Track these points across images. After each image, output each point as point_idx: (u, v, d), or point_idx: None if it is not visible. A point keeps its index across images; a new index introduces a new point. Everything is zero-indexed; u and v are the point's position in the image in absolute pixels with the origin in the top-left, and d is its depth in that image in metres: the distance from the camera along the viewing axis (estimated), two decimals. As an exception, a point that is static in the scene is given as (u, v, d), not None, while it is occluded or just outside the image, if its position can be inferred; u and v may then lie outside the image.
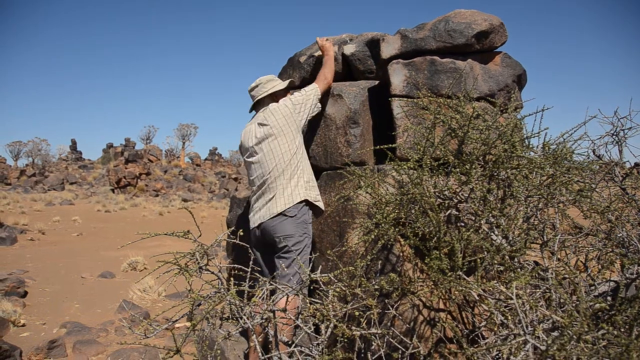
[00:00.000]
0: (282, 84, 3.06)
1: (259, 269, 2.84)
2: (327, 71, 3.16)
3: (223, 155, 51.36)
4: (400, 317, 2.53)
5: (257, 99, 3.05)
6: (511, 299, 1.79)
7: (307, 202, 2.81)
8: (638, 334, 1.70)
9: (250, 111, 3.18)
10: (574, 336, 1.59)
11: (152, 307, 5.63)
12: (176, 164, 41.10)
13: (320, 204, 2.90)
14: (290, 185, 2.79)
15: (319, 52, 3.53)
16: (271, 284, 2.09)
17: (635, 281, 2.01)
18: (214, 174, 39.00)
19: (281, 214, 2.75)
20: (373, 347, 2.40)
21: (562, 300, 1.93)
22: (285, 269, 2.63)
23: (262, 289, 2.05)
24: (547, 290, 2.04)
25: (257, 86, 3.05)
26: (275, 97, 3.03)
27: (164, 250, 9.27)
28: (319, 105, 3.10)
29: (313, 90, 3.03)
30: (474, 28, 2.94)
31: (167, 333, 4.22)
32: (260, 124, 2.91)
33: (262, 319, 1.98)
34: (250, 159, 2.97)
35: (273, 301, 2.05)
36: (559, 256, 2.31)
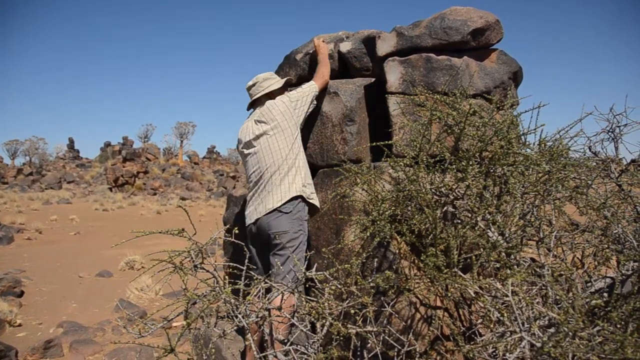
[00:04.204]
0: (278, 83, 3.04)
1: (255, 267, 2.82)
2: (324, 69, 3.16)
3: (221, 153, 51.36)
4: (397, 315, 2.52)
5: (253, 98, 3.05)
6: (507, 296, 1.78)
7: (302, 199, 2.79)
8: (633, 330, 1.70)
9: (248, 109, 3.18)
10: (570, 333, 1.59)
11: (150, 306, 5.62)
12: (174, 162, 41.07)
13: (316, 202, 2.88)
14: (286, 181, 2.77)
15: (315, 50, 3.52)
16: (266, 282, 2.08)
17: (631, 277, 2.01)
18: (212, 172, 38.97)
19: (276, 209, 2.73)
20: (369, 345, 2.40)
21: (558, 297, 1.92)
22: (281, 267, 2.61)
23: (257, 287, 2.04)
24: (543, 287, 2.04)
25: (254, 85, 3.05)
26: (271, 95, 3.02)
27: (161, 249, 9.23)
28: (315, 102, 3.08)
29: (310, 87, 3.02)
30: (469, 25, 2.94)
31: (164, 332, 4.21)
32: (258, 121, 2.91)
33: (257, 317, 1.98)
34: (247, 155, 2.97)
35: (268, 299, 2.04)
36: (555, 253, 2.31)
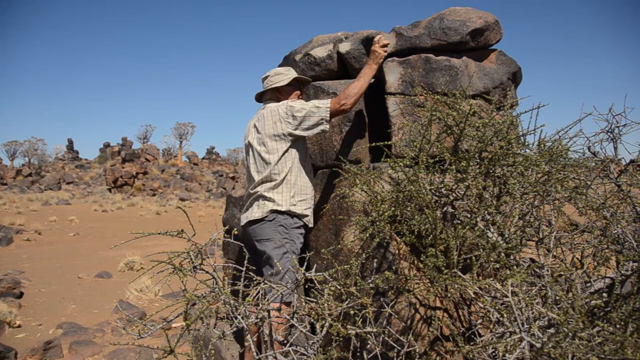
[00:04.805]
0: (283, 81, 2.93)
1: (254, 267, 2.82)
2: (353, 88, 2.73)
3: (220, 154, 51.41)
4: (396, 316, 2.52)
5: (261, 91, 3.05)
6: (507, 296, 1.78)
7: (289, 214, 2.76)
8: (633, 330, 1.70)
9: (256, 100, 3.16)
10: (570, 333, 1.59)
11: (149, 307, 5.61)
12: (173, 163, 41.04)
13: (307, 219, 2.85)
14: (271, 194, 2.74)
15: (315, 51, 3.51)
16: (265, 284, 2.08)
17: (631, 278, 2.01)
18: (211, 173, 38.96)
19: (262, 218, 2.73)
20: (369, 345, 2.40)
21: (557, 298, 1.92)
22: (270, 277, 2.59)
23: (255, 289, 2.03)
24: (543, 288, 2.04)
25: (266, 77, 3.01)
26: (278, 92, 2.96)
27: (161, 249, 9.23)
28: (326, 126, 2.77)
29: (319, 109, 2.73)
30: (468, 26, 2.94)
31: (164, 333, 4.21)
32: (255, 126, 2.89)
33: (256, 318, 1.97)
34: (245, 158, 2.98)
35: (267, 301, 2.04)
36: (554, 253, 2.31)
